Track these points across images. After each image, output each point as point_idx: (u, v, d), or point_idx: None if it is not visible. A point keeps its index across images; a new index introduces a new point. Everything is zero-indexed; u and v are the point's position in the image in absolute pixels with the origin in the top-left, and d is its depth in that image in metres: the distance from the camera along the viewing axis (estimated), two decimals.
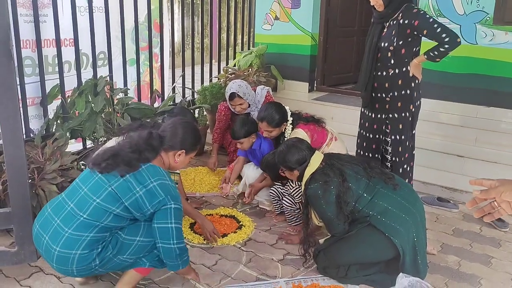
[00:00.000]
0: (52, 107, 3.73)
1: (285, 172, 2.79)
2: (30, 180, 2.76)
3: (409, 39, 2.88)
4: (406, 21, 2.83)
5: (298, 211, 3.10)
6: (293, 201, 3.10)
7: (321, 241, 2.73)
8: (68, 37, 3.83)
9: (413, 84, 2.96)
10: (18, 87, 2.63)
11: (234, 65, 5.34)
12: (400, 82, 2.95)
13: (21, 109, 2.40)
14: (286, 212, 3.20)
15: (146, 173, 2.10)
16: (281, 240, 3.03)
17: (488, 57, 4.00)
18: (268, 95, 4.09)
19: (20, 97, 2.70)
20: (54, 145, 3.19)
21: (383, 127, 3.11)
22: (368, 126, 3.20)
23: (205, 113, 5.01)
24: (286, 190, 3.22)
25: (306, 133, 3.23)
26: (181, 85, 5.15)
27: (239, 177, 3.84)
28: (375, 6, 2.95)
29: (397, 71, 2.95)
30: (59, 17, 3.61)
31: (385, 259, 2.53)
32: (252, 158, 3.71)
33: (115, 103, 3.77)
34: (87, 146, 3.87)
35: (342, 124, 4.49)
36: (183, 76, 5.15)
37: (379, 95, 3.05)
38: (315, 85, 5.36)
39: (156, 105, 4.31)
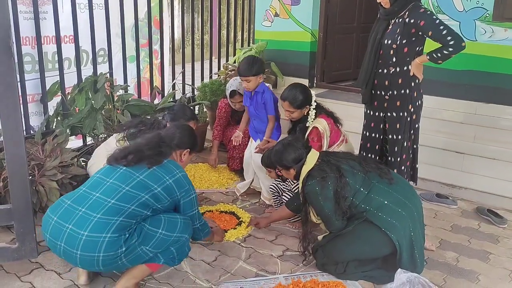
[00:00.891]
0: (52, 104, 3.74)
1: (281, 171, 2.80)
2: (30, 177, 2.77)
3: (413, 38, 2.84)
4: (412, 20, 2.79)
5: None
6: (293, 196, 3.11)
7: (320, 237, 2.74)
8: (68, 34, 3.84)
9: (413, 84, 2.93)
10: (18, 84, 2.64)
11: (234, 62, 5.33)
12: (400, 81, 2.92)
13: (21, 106, 2.41)
14: None
15: (170, 165, 2.35)
16: (253, 224, 3.13)
17: (487, 53, 3.99)
18: None
19: (20, 94, 2.70)
20: (54, 142, 3.20)
21: (381, 126, 3.10)
22: (367, 124, 3.19)
23: (205, 109, 5.01)
24: (286, 186, 3.23)
25: (327, 125, 3.17)
26: (181, 82, 5.16)
27: (241, 176, 3.87)
28: (381, 3, 2.93)
29: (398, 69, 2.92)
30: (59, 14, 3.61)
31: (383, 254, 2.54)
32: (254, 109, 3.67)
33: (115, 100, 3.79)
34: (87, 143, 3.88)
35: (342, 121, 4.49)
36: (183, 73, 5.15)
37: (378, 92, 3.03)
38: (314, 81, 5.34)
39: (156, 101, 4.33)
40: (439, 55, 2.77)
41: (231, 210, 3.40)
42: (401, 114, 2.98)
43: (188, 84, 5.23)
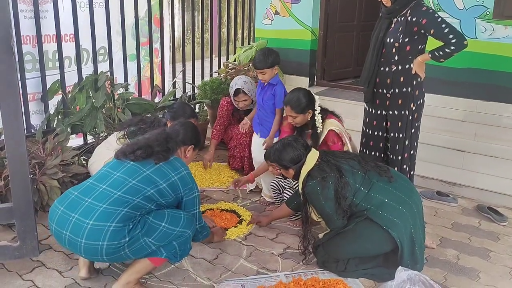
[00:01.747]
0: (53, 103, 3.74)
1: (281, 170, 2.80)
2: (31, 175, 2.77)
3: (415, 37, 2.84)
4: (414, 19, 2.78)
5: None
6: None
7: (320, 235, 2.75)
8: (68, 33, 3.84)
9: (414, 82, 2.92)
10: (19, 82, 2.63)
11: (235, 60, 5.33)
12: (402, 79, 2.92)
13: (22, 104, 2.41)
14: None
15: (176, 163, 2.39)
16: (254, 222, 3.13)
17: (488, 51, 4.00)
18: None
19: (20, 92, 2.71)
20: (55, 141, 3.21)
21: (383, 124, 3.10)
22: (369, 122, 3.19)
23: (205, 108, 5.02)
24: (287, 183, 3.23)
25: (338, 123, 3.14)
26: (182, 80, 5.16)
27: (242, 174, 3.88)
28: (382, 2, 2.92)
29: (400, 67, 2.91)
30: (59, 12, 3.61)
31: (383, 251, 2.55)
32: (262, 99, 3.64)
33: (115, 98, 3.79)
34: (88, 142, 3.88)
35: (342, 117, 4.49)
36: (184, 71, 5.15)
37: (380, 91, 3.03)
38: (315, 79, 5.36)
39: (156, 100, 4.33)
40: (441, 53, 2.76)
41: (232, 209, 3.41)
42: (402, 112, 2.97)
43: (188, 83, 5.23)
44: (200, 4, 5.52)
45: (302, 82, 5.19)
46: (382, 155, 3.16)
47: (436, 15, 2.76)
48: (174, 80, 4.96)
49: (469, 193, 3.74)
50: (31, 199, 2.37)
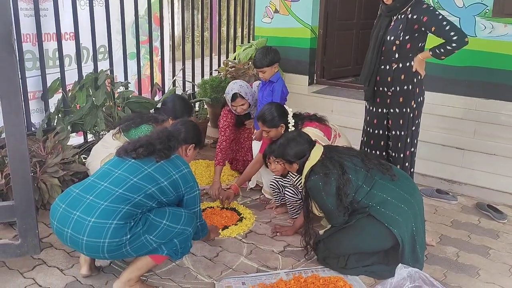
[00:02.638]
0: (53, 101, 3.75)
1: (284, 165, 2.81)
2: (32, 174, 2.77)
3: (416, 34, 2.85)
4: (415, 16, 2.79)
5: (300, 201, 3.11)
6: (295, 191, 3.12)
7: (321, 232, 2.76)
8: (68, 31, 3.84)
9: (415, 80, 2.93)
10: (20, 81, 2.63)
11: (234, 58, 5.34)
12: (403, 77, 2.93)
13: (22, 103, 2.41)
14: (287, 203, 3.22)
15: (177, 161, 2.40)
16: (274, 233, 3.03)
17: (487, 49, 4.00)
18: None
19: (21, 91, 2.71)
20: (55, 139, 3.21)
21: (384, 122, 3.10)
22: (369, 121, 3.20)
23: (205, 106, 5.02)
24: (287, 181, 3.23)
25: (315, 129, 3.13)
26: (182, 79, 5.16)
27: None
28: (383, 0, 2.93)
29: (400, 65, 2.92)
30: (59, 10, 3.61)
31: (384, 248, 2.56)
32: (262, 96, 3.64)
33: (115, 96, 3.79)
34: (88, 140, 3.89)
35: (342, 117, 4.51)
36: (184, 70, 5.15)
37: (381, 89, 3.03)
38: (314, 78, 5.35)
39: (156, 98, 4.33)
40: (442, 50, 2.77)
41: (232, 206, 3.41)
42: (404, 110, 2.98)
43: (188, 81, 5.24)
44: (199, 3, 5.52)
45: (302, 80, 5.19)
46: (384, 153, 3.17)
47: (437, 12, 2.77)
48: (174, 78, 4.97)
49: (469, 191, 3.75)
50: (32, 197, 2.37)
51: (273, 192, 3.36)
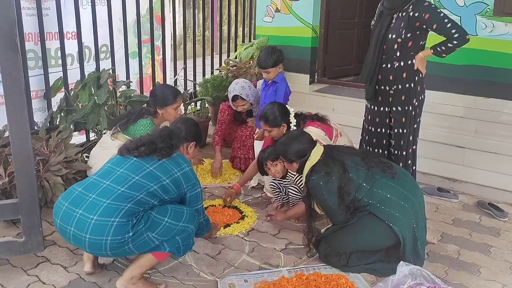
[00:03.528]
0: (56, 100, 3.77)
1: (284, 163, 2.82)
2: (35, 172, 2.79)
3: (417, 32, 2.85)
4: (417, 14, 2.80)
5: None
6: (299, 189, 3.13)
7: (323, 230, 2.77)
8: (70, 30, 3.86)
9: (416, 78, 2.94)
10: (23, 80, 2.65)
11: (235, 58, 5.35)
12: (404, 75, 2.93)
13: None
14: (291, 201, 3.23)
15: (179, 159, 2.42)
16: (267, 217, 3.17)
17: (488, 48, 4.01)
18: None
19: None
20: (58, 138, 3.23)
21: (386, 121, 3.11)
22: (371, 119, 3.21)
23: (207, 105, 5.03)
24: (287, 182, 3.24)
25: (317, 128, 3.13)
26: (183, 78, 5.17)
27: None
28: None
29: (402, 63, 2.92)
30: (62, 10, 3.63)
31: (385, 246, 2.57)
32: (264, 96, 3.67)
33: (117, 95, 3.81)
34: (91, 139, 3.90)
35: (343, 116, 4.51)
36: (185, 69, 5.17)
37: (382, 87, 3.04)
38: (316, 77, 5.37)
39: None
40: (443, 48, 2.79)
41: (234, 205, 3.43)
42: (406, 108, 2.99)
43: (190, 80, 5.25)
44: (201, 2, 5.53)
45: (303, 79, 5.21)
46: (386, 151, 3.18)
47: (439, 10, 2.78)
48: (176, 77, 4.98)
49: (470, 189, 3.76)
50: (37, 195, 2.39)
51: (274, 192, 3.36)
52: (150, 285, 2.38)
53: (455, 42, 2.73)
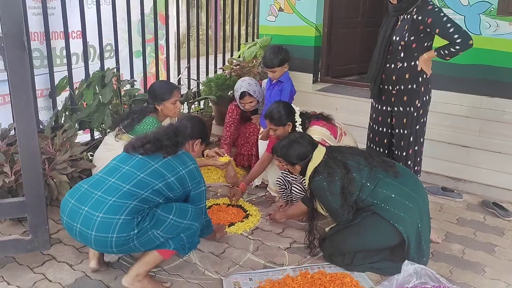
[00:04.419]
0: (61, 99, 3.78)
1: (287, 166, 2.83)
2: (41, 170, 2.81)
3: (421, 35, 2.85)
4: (420, 17, 2.79)
5: None
6: (302, 188, 3.13)
7: (327, 229, 2.78)
8: (75, 30, 3.87)
9: (420, 79, 2.93)
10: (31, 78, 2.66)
11: (239, 57, 5.36)
12: (407, 76, 2.93)
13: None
14: (294, 200, 3.24)
15: (184, 157, 2.42)
16: (268, 218, 3.18)
17: (492, 47, 4.01)
18: None
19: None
20: (63, 136, 3.24)
21: (388, 120, 3.11)
22: (375, 118, 3.21)
23: (210, 104, 5.04)
24: (294, 178, 3.24)
25: (322, 127, 3.14)
26: (187, 77, 5.18)
27: (248, 171, 3.89)
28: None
29: (405, 64, 2.92)
30: (67, 9, 3.64)
31: (390, 245, 2.58)
32: (269, 95, 3.67)
33: (122, 94, 3.82)
34: (95, 137, 3.92)
35: (347, 115, 4.51)
36: (189, 68, 5.18)
37: (385, 87, 3.04)
38: (319, 76, 5.36)
39: None
40: (446, 52, 2.78)
41: (238, 204, 3.44)
42: (408, 109, 2.99)
43: (193, 79, 5.26)
44: (204, 1, 5.53)
45: (306, 78, 5.21)
46: (386, 151, 3.18)
47: (442, 14, 2.76)
48: (179, 76, 4.99)
49: (474, 189, 3.76)
50: (43, 193, 2.40)
51: (280, 189, 3.37)
52: (155, 283, 2.39)
53: (457, 47, 2.72)
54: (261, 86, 4.00)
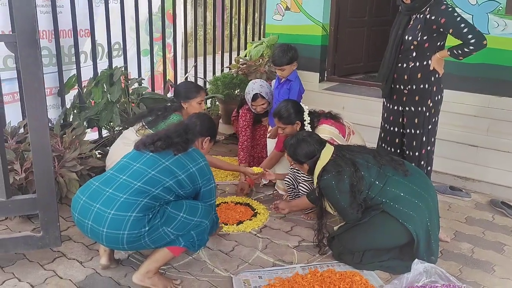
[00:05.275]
0: (69, 97, 3.79)
1: (295, 165, 2.83)
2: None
3: (434, 34, 2.83)
4: (433, 17, 2.77)
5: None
6: (309, 186, 3.14)
7: (336, 228, 2.78)
8: (84, 28, 3.88)
9: (432, 78, 2.91)
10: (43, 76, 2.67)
11: (245, 56, 5.36)
12: (419, 75, 2.91)
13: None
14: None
15: (194, 154, 2.43)
16: (273, 207, 3.21)
17: (500, 47, 3.99)
18: None
19: None
20: (72, 134, 3.25)
21: (399, 120, 3.10)
22: (387, 117, 3.20)
23: (217, 103, 5.05)
24: (302, 175, 3.24)
25: (331, 126, 3.14)
26: (194, 75, 5.20)
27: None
28: None
29: (417, 64, 2.91)
30: (75, 8, 3.65)
31: (399, 244, 2.58)
32: (278, 93, 3.67)
33: (130, 93, 3.83)
34: (103, 136, 3.93)
35: (353, 114, 4.51)
36: (196, 66, 5.19)
37: (397, 86, 3.03)
38: (325, 75, 5.36)
39: (169, 95, 4.35)
40: (459, 51, 2.76)
41: (246, 202, 3.44)
42: (419, 108, 2.97)
43: (200, 78, 5.27)
44: (211, 0, 5.55)
45: (313, 77, 5.21)
46: (398, 150, 3.17)
47: (456, 13, 2.74)
48: (187, 75, 5.00)
49: (482, 188, 3.76)
50: (54, 190, 2.41)
51: (288, 188, 3.37)
52: (165, 280, 2.40)
53: (471, 47, 2.70)
54: (271, 86, 4.00)
